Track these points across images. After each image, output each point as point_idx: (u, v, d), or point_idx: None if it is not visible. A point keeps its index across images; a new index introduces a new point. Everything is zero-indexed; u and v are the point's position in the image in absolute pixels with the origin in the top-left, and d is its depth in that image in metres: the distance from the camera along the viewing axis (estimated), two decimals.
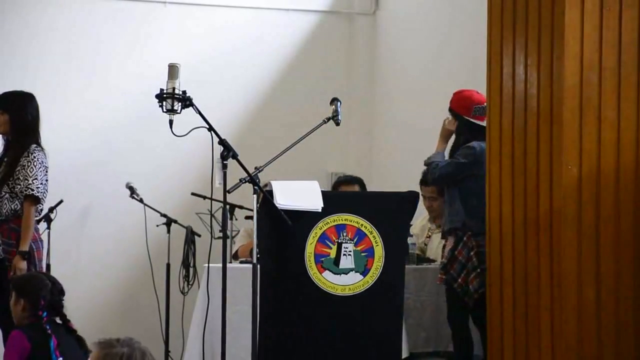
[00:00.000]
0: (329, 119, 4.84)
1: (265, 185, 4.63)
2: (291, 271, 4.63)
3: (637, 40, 4.45)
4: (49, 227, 7.00)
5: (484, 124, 5.19)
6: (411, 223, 5.53)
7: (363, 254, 4.71)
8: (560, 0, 4.39)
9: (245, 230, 6.38)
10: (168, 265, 7.12)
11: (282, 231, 4.55)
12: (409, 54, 8.09)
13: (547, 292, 4.46)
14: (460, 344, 5.48)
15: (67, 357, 4.56)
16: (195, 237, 6.83)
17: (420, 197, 5.33)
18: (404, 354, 5.18)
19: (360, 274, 4.70)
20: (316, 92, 8.12)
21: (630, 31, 4.44)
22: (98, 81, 7.92)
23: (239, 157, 4.41)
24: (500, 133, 4.82)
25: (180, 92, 4.36)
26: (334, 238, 4.67)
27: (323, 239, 4.65)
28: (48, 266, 6.81)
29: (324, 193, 4.68)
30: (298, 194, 4.63)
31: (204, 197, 6.35)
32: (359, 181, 6.40)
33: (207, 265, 4.76)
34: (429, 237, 6.38)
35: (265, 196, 4.50)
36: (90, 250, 7.87)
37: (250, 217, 4.63)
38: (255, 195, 4.46)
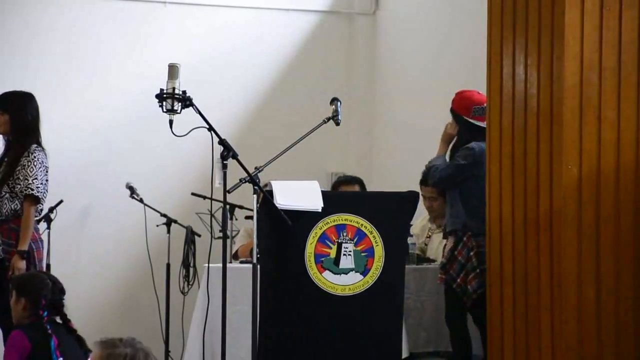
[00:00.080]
0: (329, 119, 4.84)
1: (265, 185, 4.63)
2: (291, 271, 4.63)
3: (637, 40, 4.45)
4: (49, 227, 7.00)
5: (483, 124, 5.19)
6: (411, 223, 5.54)
7: (363, 254, 4.71)
8: (560, 0, 4.39)
9: (245, 230, 6.38)
10: (168, 265, 7.12)
11: (282, 231, 4.55)
12: (409, 54, 8.09)
13: (547, 292, 4.46)
14: (459, 344, 5.49)
15: (68, 357, 4.56)
16: (195, 237, 6.83)
17: (420, 197, 5.33)
18: (404, 354, 5.17)
19: (360, 274, 4.70)
20: (316, 92, 8.11)
21: (630, 31, 4.44)
22: (98, 81, 7.92)
23: (239, 157, 4.41)
24: (500, 133, 4.82)
25: (180, 92, 4.37)
26: (334, 238, 4.67)
27: (323, 239, 4.65)
28: (48, 266, 6.81)
29: (324, 193, 4.68)
30: (298, 194, 4.63)
31: (204, 197, 6.35)
32: (358, 181, 6.40)
33: (207, 265, 4.76)
34: (429, 237, 6.38)
35: (265, 196, 4.50)
36: (90, 250, 7.87)
37: (250, 217, 4.64)
38: (255, 195, 4.47)
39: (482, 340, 5.26)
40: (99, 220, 7.89)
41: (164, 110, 4.38)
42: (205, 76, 7.86)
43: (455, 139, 5.59)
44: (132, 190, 7.52)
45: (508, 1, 4.77)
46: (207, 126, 4.39)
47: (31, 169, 5.42)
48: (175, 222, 7.25)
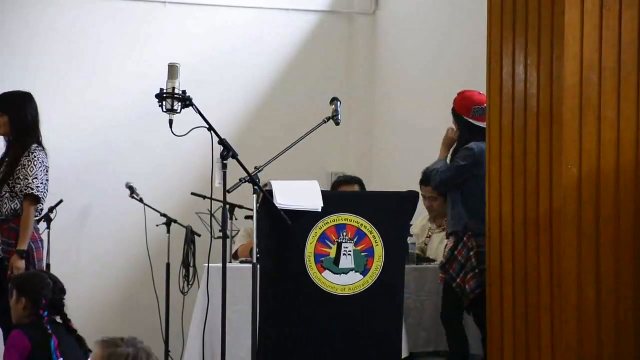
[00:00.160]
0: (329, 119, 4.84)
1: (265, 185, 4.63)
2: (291, 271, 4.63)
3: (637, 40, 4.45)
4: (49, 227, 7.00)
5: (483, 125, 5.18)
6: (411, 223, 5.54)
7: (363, 254, 4.71)
8: (560, 0, 4.39)
9: (245, 230, 6.37)
10: (168, 265, 7.12)
11: (282, 231, 4.55)
12: (409, 54, 8.09)
13: (547, 292, 4.46)
14: (456, 344, 5.49)
15: (68, 357, 4.55)
16: (195, 237, 6.83)
17: (420, 197, 5.34)
18: (404, 354, 5.17)
19: (360, 273, 4.70)
20: (316, 92, 8.12)
21: (630, 31, 4.44)
22: (98, 81, 7.92)
23: (239, 157, 4.41)
24: (500, 133, 4.82)
25: (180, 92, 4.36)
26: (334, 238, 4.67)
27: (323, 238, 4.65)
28: (48, 266, 6.81)
29: (324, 193, 4.68)
30: (298, 194, 4.63)
31: (204, 197, 6.35)
32: (358, 181, 6.39)
33: (207, 265, 4.76)
34: (429, 237, 6.38)
35: (265, 196, 4.50)
36: (90, 250, 7.87)
37: (250, 217, 4.63)
38: (255, 195, 4.47)
39: (482, 340, 5.27)
40: (99, 220, 7.89)
41: (164, 110, 4.38)
42: (205, 76, 7.87)
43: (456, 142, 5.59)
44: (132, 190, 7.53)
45: (508, 1, 4.77)
46: (207, 126, 4.39)
47: (31, 169, 5.42)
48: (175, 222, 7.25)
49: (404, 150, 7.91)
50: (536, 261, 4.54)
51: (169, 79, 4.38)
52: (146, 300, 7.48)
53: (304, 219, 4.60)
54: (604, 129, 4.41)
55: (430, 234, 6.39)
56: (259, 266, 4.46)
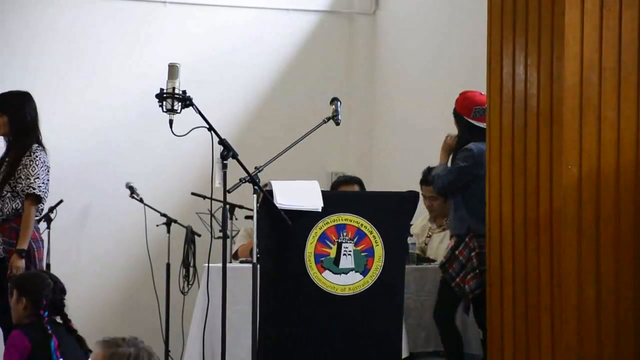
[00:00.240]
0: (329, 119, 4.84)
1: (265, 185, 4.63)
2: (291, 271, 4.63)
3: (637, 40, 4.45)
4: (49, 227, 7.00)
5: (483, 125, 5.18)
6: (411, 223, 5.54)
7: (363, 254, 4.71)
8: (560, 0, 4.39)
9: (245, 230, 6.37)
10: (168, 265, 7.12)
11: (282, 231, 4.55)
12: (409, 54, 8.09)
13: (547, 292, 4.46)
14: (449, 342, 5.52)
15: (68, 357, 4.55)
16: (195, 237, 6.83)
17: (421, 197, 5.34)
18: (404, 354, 5.17)
19: (360, 273, 4.70)
20: (316, 92, 8.12)
21: (630, 31, 4.44)
22: (98, 81, 7.93)
23: (239, 157, 4.41)
24: (500, 133, 4.82)
25: (180, 92, 4.36)
26: (334, 238, 4.67)
27: (323, 238, 4.65)
28: (48, 266, 6.81)
29: (324, 193, 4.68)
30: (298, 193, 4.63)
31: (204, 197, 6.35)
32: (358, 181, 6.39)
33: (207, 265, 4.76)
34: (429, 237, 6.38)
35: (265, 196, 4.50)
36: (90, 250, 7.87)
37: (250, 217, 4.63)
38: (255, 195, 4.46)
39: (482, 340, 5.27)
40: (99, 220, 7.89)
41: (164, 110, 4.38)
42: (205, 76, 7.87)
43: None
44: (132, 190, 7.53)
45: (508, 1, 4.77)
46: (207, 126, 4.39)
47: (33, 169, 5.42)
48: (175, 222, 7.25)
49: (404, 150, 7.91)
50: (536, 261, 4.54)
51: (169, 79, 4.38)
52: (146, 300, 7.48)
53: (304, 219, 4.60)
54: (604, 129, 4.41)
55: (430, 233, 6.39)
56: (259, 266, 4.46)
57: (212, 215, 6.53)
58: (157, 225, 7.32)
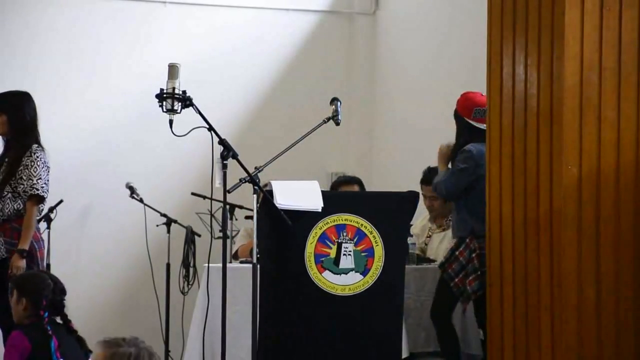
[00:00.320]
0: (329, 119, 4.84)
1: (265, 185, 4.63)
2: (291, 271, 4.63)
3: (637, 40, 4.45)
4: (49, 227, 7.01)
5: (483, 126, 5.18)
6: (411, 223, 5.54)
7: (363, 254, 4.71)
8: (560, 0, 4.39)
9: (245, 230, 6.37)
10: (168, 265, 7.12)
11: (282, 231, 4.55)
12: (409, 54, 8.09)
13: (547, 292, 4.46)
14: (446, 342, 5.51)
15: (68, 357, 4.55)
16: (195, 237, 6.83)
17: (421, 197, 5.33)
18: (404, 354, 5.17)
19: (360, 274, 4.70)
20: (316, 92, 8.12)
21: (630, 31, 4.44)
22: (98, 81, 7.93)
23: (239, 157, 4.41)
24: (500, 133, 4.82)
25: (180, 92, 4.36)
26: (334, 238, 4.67)
27: (323, 238, 4.65)
28: (48, 266, 6.81)
29: (324, 193, 4.68)
30: (298, 194, 4.63)
31: (204, 197, 6.35)
32: (358, 181, 6.39)
33: (207, 265, 4.76)
34: (429, 237, 6.38)
35: (265, 196, 4.50)
36: (90, 250, 7.87)
37: (250, 217, 4.63)
38: (255, 195, 4.46)
39: (482, 340, 5.27)
40: (99, 220, 7.89)
41: (164, 110, 4.38)
42: (205, 76, 7.86)
43: (454, 144, 5.59)
44: (132, 190, 7.53)
45: (508, 1, 4.77)
46: (207, 126, 4.39)
47: (34, 169, 5.43)
48: (175, 222, 7.25)
49: (404, 150, 7.91)
50: (536, 261, 4.54)
51: (169, 79, 4.38)
52: (146, 300, 7.48)
53: (304, 219, 4.60)
54: (604, 129, 4.41)
55: (430, 233, 6.39)
56: (259, 266, 4.46)
57: (212, 215, 6.53)
58: (157, 225, 7.32)
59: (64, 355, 4.52)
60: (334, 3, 8.58)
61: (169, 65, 4.41)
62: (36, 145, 5.49)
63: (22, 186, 5.41)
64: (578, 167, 4.37)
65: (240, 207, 6.58)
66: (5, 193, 5.42)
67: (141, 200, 7.44)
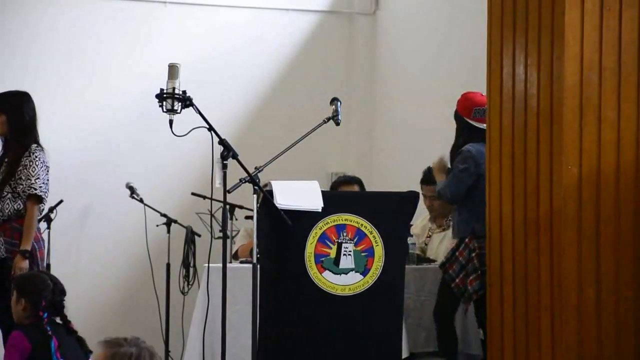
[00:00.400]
0: (329, 119, 4.84)
1: (265, 185, 4.63)
2: (291, 271, 4.63)
3: (637, 40, 4.45)
4: (49, 227, 7.01)
5: (483, 126, 5.18)
6: (411, 223, 5.54)
7: (363, 254, 4.71)
8: (560, 0, 4.39)
9: (245, 230, 6.37)
10: (168, 265, 7.12)
11: (282, 231, 4.55)
12: (409, 54, 8.09)
13: (547, 292, 4.46)
14: (446, 342, 5.52)
15: (68, 358, 4.55)
16: (195, 237, 6.83)
17: (421, 197, 5.33)
18: (404, 354, 5.17)
19: (360, 274, 4.70)
20: (316, 92, 8.12)
21: (630, 31, 4.44)
22: (98, 81, 7.92)
23: (239, 157, 4.41)
24: (500, 133, 4.82)
25: (180, 92, 4.36)
26: (334, 238, 4.67)
27: (323, 239, 4.65)
28: (48, 266, 6.81)
29: (324, 193, 4.68)
30: (298, 194, 4.63)
31: (204, 197, 6.35)
32: (358, 181, 6.39)
33: (207, 265, 4.76)
34: (429, 237, 6.38)
35: (265, 196, 4.50)
36: (90, 250, 7.87)
37: (250, 217, 4.63)
38: (255, 195, 4.46)
39: (482, 340, 5.27)
40: (99, 220, 7.89)
41: (164, 110, 4.38)
42: (205, 76, 7.86)
43: (453, 136, 5.59)
44: (132, 190, 7.53)
45: (508, 1, 4.77)
46: (207, 126, 4.39)
47: (33, 169, 5.43)
48: (175, 222, 7.25)
49: (404, 150, 7.91)
50: (536, 261, 4.54)
51: (169, 79, 4.38)
52: (146, 300, 7.48)
53: (304, 219, 4.60)
54: (604, 129, 4.41)
55: (430, 233, 6.39)
56: (259, 266, 4.46)
57: (212, 215, 6.53)
58: (157, 226, 7.32)
59: (64, 355, 4.52)
60: (334, 3, 8.58)
61: (169, 66, 4.41)
62: (35, 145, 5.49)
63: (21, 186, 5.42)
64: (578, 167, 4.37)
65: (240, 207, 6.58)
66: (5, 193, 5.43)
67: (141, 200, 7.44)
